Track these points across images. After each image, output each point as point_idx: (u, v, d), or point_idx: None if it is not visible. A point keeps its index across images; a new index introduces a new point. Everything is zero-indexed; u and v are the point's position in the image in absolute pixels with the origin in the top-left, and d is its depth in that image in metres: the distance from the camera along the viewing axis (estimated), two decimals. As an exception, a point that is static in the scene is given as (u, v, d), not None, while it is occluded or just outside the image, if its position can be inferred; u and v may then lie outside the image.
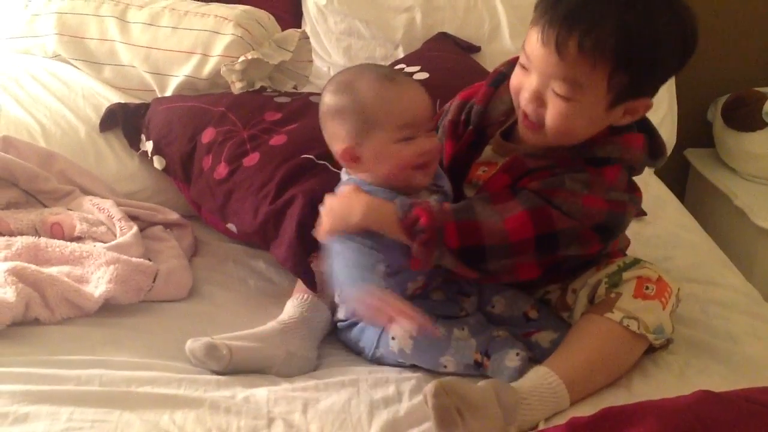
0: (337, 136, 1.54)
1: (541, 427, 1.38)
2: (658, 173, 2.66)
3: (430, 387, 1.34)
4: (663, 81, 1.48)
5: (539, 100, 1.46)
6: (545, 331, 1.58)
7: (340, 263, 1.48)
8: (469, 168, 1.62)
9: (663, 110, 2.45)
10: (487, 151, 1.62)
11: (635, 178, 1.59)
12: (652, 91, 1.48)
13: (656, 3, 1.39)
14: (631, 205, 1.55)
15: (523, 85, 1.48)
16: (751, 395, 1.27)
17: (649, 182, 2.30)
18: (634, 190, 1.58)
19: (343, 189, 1.53)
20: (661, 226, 2.07)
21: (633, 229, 1.90)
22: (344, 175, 1.60)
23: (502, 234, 1.46)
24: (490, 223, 1.46)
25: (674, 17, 1.40)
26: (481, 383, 1.40)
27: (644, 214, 2.08)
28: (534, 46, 1.44)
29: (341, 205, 1.49)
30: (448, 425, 1.33)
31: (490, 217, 1.46)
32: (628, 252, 1.72)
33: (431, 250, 1.45)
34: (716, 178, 2.78)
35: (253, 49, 2.01)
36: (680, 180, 3.00)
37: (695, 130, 2.93)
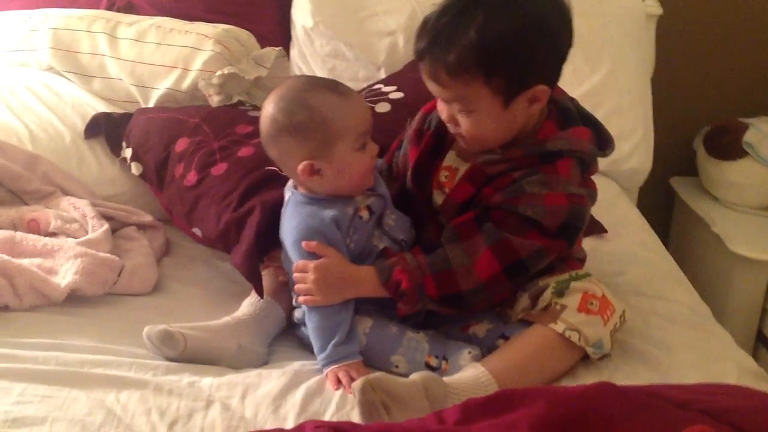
0: (294, 153, 1.60)
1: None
2: (641, 200, 2.73)
3: (357, 383, 1.42)
4: (547, 66, 1.56)
5: (453, 120, 1.59)
6: (481, 323, 1.66)
7: (311, 324, 1.62)
8: (433, 171, 1.71)
9: (638, 136, 2.50)
10: (450, 155, 1.72)
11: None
12: (542, 77, 1.55)
13: (494, 9, 1.50)
14: (588, 198, 1.65)
15: (441, 109, 1.63)
16: (654, 390, 1.32)
17: (616, 203, 2.37)
18: (589, 185, 1.68)
19: (322, 262, 1.58)
20: (620, 243, 2.12)
21: (590, 246, 1.97)
22: (288, 191, 1.69)
23: (475, 277, 1.58)
24: (462, 269, 1.58)
25: (517, 12, 1.50)
26: (412, 377, 1.47)
27: (605, 231, 2.14)
28: (424, 79, 1.59)
29: (328, 280, 1.58)
30: (374, 419, 1.40)
31: (462, 262, 1.58)
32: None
33: (415, 305, 1.60)
34: (698, 205, 2.83)
35: (231, 65, 2.12)
36: (667, 208, 3.05)
37: (682, 159, 3.00)
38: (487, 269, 1.57)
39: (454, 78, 1.51)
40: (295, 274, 1.61)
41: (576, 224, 1.63)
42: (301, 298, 1.61)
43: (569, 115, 1.65)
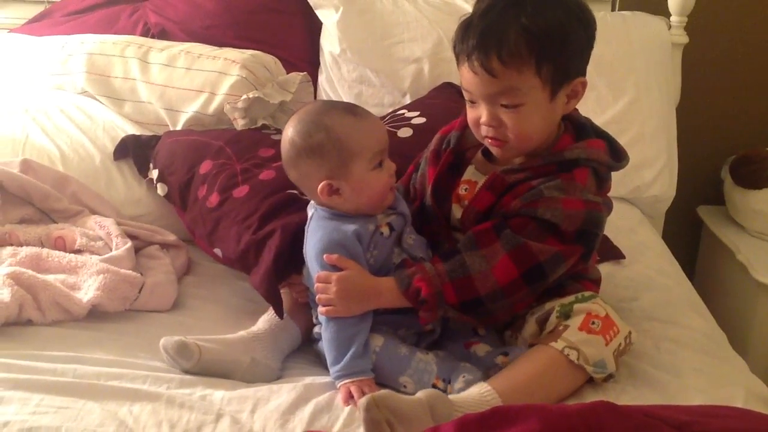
0: (313, 174, 1.65)
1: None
2: (668, 228, 2.73)
3: (363, 400, 1.44)
4: (584, 58, 1.66)
5: (496, 120, 1.63)
6: (483, 343, 1.68)
7: (327, 335, 1.65)
8: (452, 188, 1.76)
9: (661, 164, 2.51)
10: (470, 170, 1.77)
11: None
12: (581, 69, 1.66)
13: (540, 1, 1.60)
14: (604, 206, 1.69)
15: (478, 116, 1.65)
16: (652, 411, 1.33)
17: (637, 229, 2.38)
18: (605, 196, 1.73)
19: (344, 274, 1.62)
20: (637, 269, 2.12)
21: (607, 270, 1.99)
22: (311, 209, 1.73)
23: (493, 282, 1.61)
24: (480, 275, 1.61)
25: (562, 3, 1.61)
26: (418, 395, 1.49)
27: (622, 257, 2.15)
28: (468, 80, 1.63)
29: (350, 291, 1.62)
30: None
31: (480, 268, 1.61)
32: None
33: (436, 312, 1.63)
34: (724, 234, 2.82)
35: (256, 90, 2.18)
36: (694, 236, 3.05)
37: (709, 188, 3.00)
38: (506, 274, 1.61)
39: (507, 66, 1.57)
40: (317, 285, 1.64)
41: (593, 230, 1.66)
42: (321, 309, 1.64)
43: (584, 129, 1.72)
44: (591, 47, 1.66)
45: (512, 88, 1.59)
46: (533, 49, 1.56)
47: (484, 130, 1.65)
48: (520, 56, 1.56)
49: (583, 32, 1.63)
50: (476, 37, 1.58)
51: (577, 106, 1.71)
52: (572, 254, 1.65)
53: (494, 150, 1.69)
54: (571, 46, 1.61)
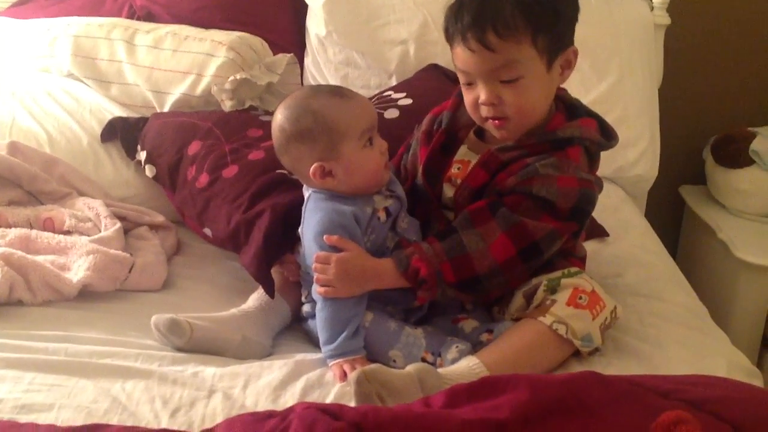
0: (304, 158, 1.67)
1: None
2: (651, 208, 2.77)
3: (353, 374, 1.47)
4: (573, 27, 1.70)
5: (496, 97, 1.64)
6: (471, 319, 1.71)
7: (322, 315, 1.66)
8: (444, 168, 1.78)
9: (644, 144, 2.54)
10: (462, 150, 1.79)
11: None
12: (571, 38, 1.70)
13: None
14: (596, 184, 1.72)
15: (476, 97, 1.67)
16: (637, 380, 1.36)
17: (621, 208, 2.41)
18: (595, 174, 1.76)
19: (344, 255, 1.63)
20: (621, 247, 2.15)
21: (591, 248, 2.01)
22: (308, 191, 1.75)
23: (490, 260, 1.64)
24: (478, 253, 1.63)
25: None
26: (408, 368, 1.52)
27: (606, 234, 2.18)
28: (465, 59, 1.64)
29: (349, 272, 1.63)
30: None
31: (477, 246, 1.63)
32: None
33: (434, 291, 1.65)
34: (706, 213, 2.85)
35: (243, 71, 2.20)
36: (676, 216, 3.08)
37: (691, 168, 3.03)
38: (503, 253, 1.63)
39: (504, 39, 1.59)
40: (316, 265, 1.65)
41: (586, 207, 1.70)
42: (320, 290, 1.65)
43: (576, 108, 1.75)
44: (577, 17, 1.69)
45: (511, 61, 1.61)
46: (529, 19, 1.59)
47: (484, 111, 1.67)
48: (516, 28, 1.59)
49: (572, 1, 1.67)
50: (471, 14, 1.60)
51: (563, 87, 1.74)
52: (567, 231, 1.68)
53: (497, 131, 1.70)
54: (563, 14, 1.65)
